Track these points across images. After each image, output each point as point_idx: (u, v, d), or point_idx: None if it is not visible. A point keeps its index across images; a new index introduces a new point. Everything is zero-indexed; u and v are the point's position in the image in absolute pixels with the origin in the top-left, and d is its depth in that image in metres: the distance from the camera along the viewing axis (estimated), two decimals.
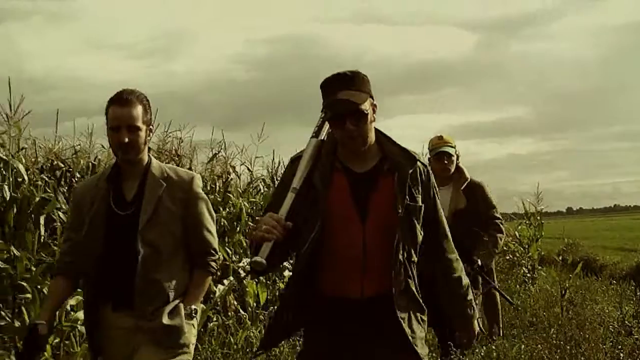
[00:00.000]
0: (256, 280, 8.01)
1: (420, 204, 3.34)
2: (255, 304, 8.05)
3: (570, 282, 10.31)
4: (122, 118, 3.61)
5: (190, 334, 3.75)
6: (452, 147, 6.32)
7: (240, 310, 7.91)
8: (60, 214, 6.20)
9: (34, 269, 5.66)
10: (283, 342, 7.45)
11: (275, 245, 3.04)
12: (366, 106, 3.21)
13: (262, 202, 9.35)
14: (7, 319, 5.45)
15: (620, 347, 6.72)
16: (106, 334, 3.68)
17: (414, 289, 3.35)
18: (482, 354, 6.57)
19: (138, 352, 3.62)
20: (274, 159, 10.22)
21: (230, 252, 8.22)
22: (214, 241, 3.90)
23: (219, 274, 7.54)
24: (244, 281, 7.97)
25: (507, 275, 13.56)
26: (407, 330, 3.26)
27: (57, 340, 5.57)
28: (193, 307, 3.74)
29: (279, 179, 9.93)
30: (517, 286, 12.91)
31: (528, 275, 14.00)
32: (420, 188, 3.36)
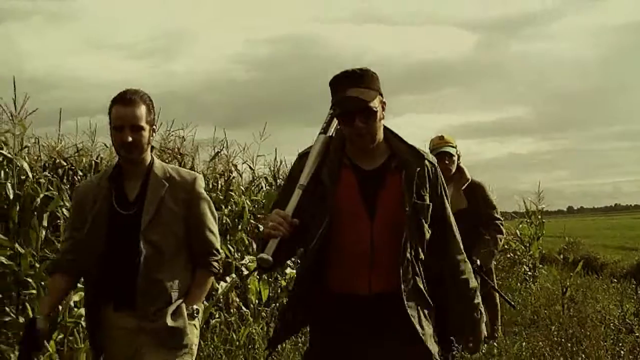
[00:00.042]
0: (258, 277, 8.02)
1: (428, 202, 3.33)
2: (257, 301, 8.05)
3: (571, 280, 10.33)
4: (125, 117, 3.61)
5: (193, 335, 3.75)
6: (453, 147, 6.30)
7: (243, 307, 7.90)
8: (64, 210, 6.22)
9: (37, 265, 5.68)
10: (287, 340, 7.52)
11: (282, 242, 3.06)
12: (375, 104, 3.21)
13: (264, 201, 9.36)
14: (12, 315, 5.47)
15: (621, 344, 6.74)
16: (107, 334, 3.68)
17: (422, 286, 3.34)
18: (483, 351, 6.58)
19: (141, 354, 3.62)
20: (276, 157, 10.26)
21: (232, 249, 8.24)
22: (216, 241, 3.90)
23: (221, 271, 7.56)
24: (246, 278, 7.98)
25: (508, 273, 13.57)
26: (418, 327, 3.25)
27: (61, 336, 5.58)
28: (195, 307, 3.74)
29: (280, 177, 10.00)
30: (518, 284, 12.92)
31: (529, 273, 14.03)
32: (427, 186, 3.35)
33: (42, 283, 5.55)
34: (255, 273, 8.08)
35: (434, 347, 3.33)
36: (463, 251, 3.57)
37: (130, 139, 3.60)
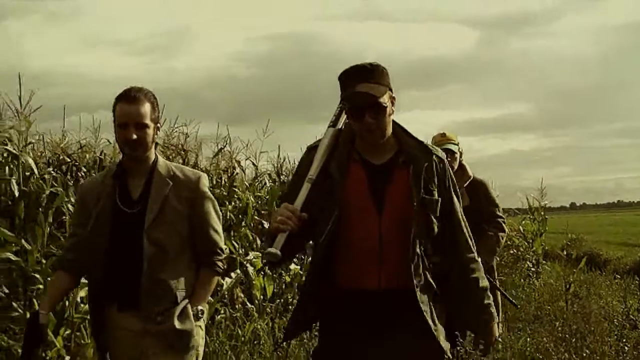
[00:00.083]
0: (262, 272, 8.04)
1: (436, 197, 3.31)
2: (262, 297, 8.06)
3: (574, 276, 10.34)
4: (130, 115, 3.59)
5: (199, 336, 3.73)
6: (455, 144, 6.26)
7: (248, 303, 7.93)
8: (69, 206, 6.23)
9: (44, 261, 5.69)
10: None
11: (291, 236, 3.05)
12: (385, 99, 3.20)
13: (267, 197, 9.38)
14: (19, 310, 5.49)
15: (624, 340, 6.75)
16: (112, 334, 3.66)
17: (432, 282, 3.31)
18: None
19: (147, 356, 3.60)
20: (279, 154, 10.26)
21: (237, 245, 8.26)
22: (220, 240, 3.87)
23: (225, 269, 7.57)
24: (251, 274, 7.99)
25: (512, 269, 13.59)
26: (430, 323, 3.23)
27: (68, 331, 5.60)
28: (200, 307, 3.72)
29: (284, 173, 10.02)
30: (522, 280, 12.94)
31: (532, 269, 14.05)
32: (436, 181, 3.32)
33: (49, 279, 5.56)
34: (266, 268, 8.10)
35: (446, 345, 3.31)
36: (474, 249, 3.51)
37: (134, 136, 3.59)
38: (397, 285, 3.25)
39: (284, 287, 8.53)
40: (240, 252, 8.28)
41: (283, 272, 8.53)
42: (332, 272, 3.29)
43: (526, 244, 14.91)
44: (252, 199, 8.92)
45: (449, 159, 6.27)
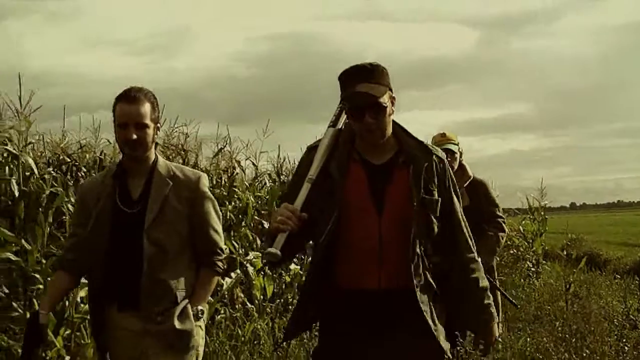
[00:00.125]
0: (262, 272, 8.04)
1: (436, 197, 3.30)
2: (262, 297, 8.07)
3: (574, 276, 10.35)
4: (130, 115, 3.59)
5: (199, 336, 3.73)
6: (454, 144, 6.25)
7: (248, 303, 7.94)
8: (69, 206, 6.23)
9: (44, 261, 5.69)
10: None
11: (291, 236, 3.04)
12: (385, 99, 3.19)
13: (267, 197, 9.38)
14: (19, 310, 5.49)
15: (624, 340, 6.75)
16: (112, 334, 3.65)
17: (432, 282, 3.31)
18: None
19: (147, 356, 3.59)
20: (279, 154, 10.26)
21: (237, 245, 8.26)
22: (220, 241, 3.87)
23: (225, 268, 7.58)
24: (251, 274, 8.00)
25: (512, 269, 13.60)
26: (430, 323, 3.23)
27: (68, 331, 5.61)
28: (200, 308, 3.71)
29: (284, 173, 10.02)
30: (522, 280, 12.95)
31: (532, 269, 14.06)
32: (436, 181, 3.32)
33: (49, 279, 5.56)
34: (266, 268, 8.10)
35: (445, 345, 3.30)
36: (474, 249, 3.49)
37: (134, 136, 3.58)
38: (397, 285, 3.24)
39: (284, 287, 8.54)
40: (240, 252, 8.29)
41: (283, 272, 8.54)
42: (332, 272, 3.29)
43: (526, 244, 14.92)
44: (252, 199, 8.93)
45: (448, 159, 6.26)
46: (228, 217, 8.41)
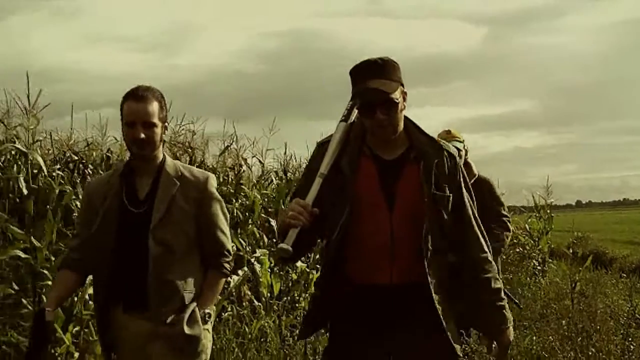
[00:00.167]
0: (270, 270, 8.06)
1: (448, 193, 3.27)
2: (269, 294, 8.07)
3: (580, 275, 10.35)
4: (137, 114, 3.54)
5: (207, 340, 3.69)
6: (460, 141, 6.23)
7: (255, 301, 7.95)
8: (78, 204, 6.25)
9: (53, 258, 5.71)
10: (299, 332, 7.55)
11: (302, 232, 3.02)
12: (397, 95, 3.16)
13: (274, 194, 9.39)
14: (28, 307, 5.52)
15: (630, 339, 6.77)
16: (117, 335, 3.63)
17: (443, 278, 3.27)
18: (494, 344, 6.59)
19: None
20: (285, 151, 10.26)
21: (244, 243, 8.27)
22: (228, 242, 3.83)
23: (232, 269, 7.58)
24: (258, 272, 8.01)
25: (518, 267, 13.60)
26: (442, 319, 3.20)
27: (77, 328, 5.62)
28: (207, 311, 3.66)
29: (290, 171, 10.04)
30: (528, 279, 12.95)
31: (538, 268, 14.05)
32: (447, 177, 3.28)
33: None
34: (274, 265, 8.11)
35: (457, 341, 3.28)
36: (486, 248, 3.41)
37: (142, 135, 3.54)
38: (409, 280, 3.23)
39: (290, 284, 8.54)
40: (248, 249, 8.30)
41: (290, 269, 8.54)
42: (344, 267, 3.28)
43: (532, 242, 14.93)
44: (259, 197, 8.93)
45: None
46: (235, 215, 8.43)
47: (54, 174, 6.50)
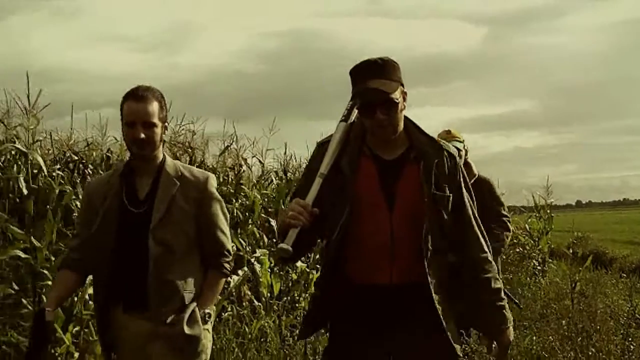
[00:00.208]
0: (270, 270, 8.06)
1: (448, 193, 3.26)
2: (269, 294, 8.07)
3: (580, 275, 10.36)
4: (137, 114, 3.54)
5: (207, 340, 3.69)
6: (460, 142, 6.23)
7: (255, 301, 7.95)
8: (78, 203, 6.25)
9: (53, 258, 5.71)
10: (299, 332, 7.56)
11: (302, 232, 3.02)
12: (397, 95, 3.15)
13: (274, 194, 9.39)
14: (28, 307, 5.52)
15: (630, 339, 6.77)
16: (117, 335, 3.64)
17: (444, 278, 3.27)
18: (494, 344, 6.59)
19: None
20: (285, 151, 10.26)
21: (244, 243, 8.28)
22: (228, 242, 3.82)
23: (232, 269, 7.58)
24: (258, 272, 8.01)
25: (518, 267, 13.61)
26: (442, 319, 3.19)
27: (77, 328, 5.63)
28: (207, 311, 3.66)
29: (290, 171, 10.04)
30: (528, 279, 12.96)
31: (538, 268, 14.06)
32: (447, 178, 3.28)
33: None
34: (274, 265, 8.11)
35: (457, 341, 3.28)
36: (486, 249, 3.40)
37: (142, 135, 3.53)
38: (409, 280, 3.23)
39: (290, 284, 8.54)
40: (248, 249, 8.31)
41: (290, 269, 8.54)
42: (344, 267, 3.28)
43: (532, 242, 14.93)
44: (259, 197, 8.93)
45: None
46: (235, 215, 8.43)
47: (54, 174, 6.50)
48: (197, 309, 3.59)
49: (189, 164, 8.01)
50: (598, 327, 7.05)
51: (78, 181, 6.93)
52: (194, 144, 8.68)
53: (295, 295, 8.52)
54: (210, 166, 8.85)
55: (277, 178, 10.15)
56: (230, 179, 9.03)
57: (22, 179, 6.06)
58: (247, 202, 8.81)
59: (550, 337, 6.80)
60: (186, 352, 3.55)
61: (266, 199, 9.42)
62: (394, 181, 3.25)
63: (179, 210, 3.63)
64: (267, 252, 8.13)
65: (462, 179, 3.38)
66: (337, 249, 3.24)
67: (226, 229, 3.82)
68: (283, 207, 8.75)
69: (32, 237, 5.69)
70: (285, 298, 8.33)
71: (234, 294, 7.76)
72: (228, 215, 3.90)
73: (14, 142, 6.27)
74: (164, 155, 3.74)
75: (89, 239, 3.67)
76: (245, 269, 7.93)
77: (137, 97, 3.57)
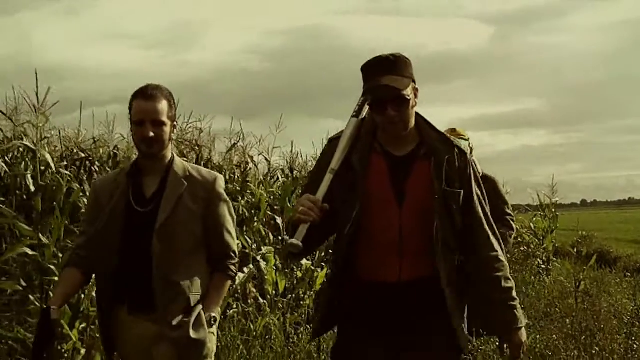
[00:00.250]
0: (275, 267, 8.07)
1: (458, 190, 3.26)
2: (274, 292, 8.08)
3: (584, 274, 10.36)
4: (146, 112, 3.54)
5: (212, 343, 3.66)
6: (465, 139, 6.24)
7: (260, 298, 7.97)
8: (85, 200, 6.26)
9: (60, 255, 5.73)
10: (303, 330, 7.58)
11: (312, 228, 3.03)
12: (408, 92, 3.16)
13: (280, 192, 9.40)
14: (36, 303, 5.54)
15: (634, 338, 6.79)
16: (121, 336, 3.65)
17: (453, 276, 3.25)
18: (497, 343, 6.62)
19: None
20: (292, 149, 10.27)
21: (250, 241, 8.28)
22: (234, 244, 3.81)
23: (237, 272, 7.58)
24: (263, 269, 8.03)
25: (522, 266, 13.60)
26: (451, 317, 3.21)
27: (83, 325, 5.65)
28: (213, 315, 3.63)
29: (296, 169, 10.06)
30: (532, 277, 12.96)
31: (543, 266, 14.07)
32: (457, 174, 3.27)
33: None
34: (279, 262, 8.12)
35: (464, 342, 3.28)
36: (496, 247, 3.37)
37: (151, 134, 3.53)
38: (417, 277, 3.24)
39: (295, 282, 8.54)
40: (253, 247, 8.31)
41: (295, 267, 8.55)
42: (354, 264, 3.28)
43: (537, 241, 14.93)
44: (265, 194, 8.93)
45: None
46: (241, 212, 8.42)
47: (61, 170, 6.51)
48: (202, 313, 3.57)
49: (195, 162, 8.05)
50: (602, 326, 7.06)
51: (85, 178, 6.94)
52: (201, 142, 8.70)
53: (300, 293, 8.52)
54: (217, 164, 8.86)
55: (283, 176, 10.16)
56: (236, 177, 9.04)
57: (29, 176, 6.08)
58: (253, 200, 8.80)
59: (554, 336, 6.82)
60: (192, 356, 3.53)
61: (272, 197, 9.41)
62: (405, 177, 3.25)
63: (186, 211, 3.61)
64: (273, 249, 8.15)
65: (473, 176, 3.37)
66: (349, 245, 3.23)
67: (233, 231, 3.81)
68: (289, 205, 8.77)
69: (39, 234, 5.71)
70: (290, 296, 8.34)
71: (239, 291, 7.76)
72: (235, 217, 3.90)
73: (22, 139, 6.29)
74: (172, 154, 3.73)
75: (94, 237, 3.66)
76: (251, 266, 7.93)
77: (146, 95, 3.57)
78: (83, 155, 7.64)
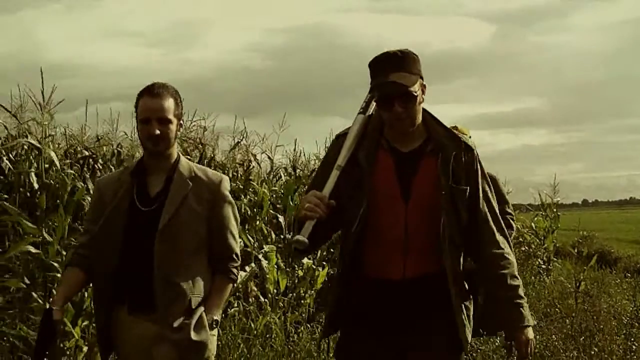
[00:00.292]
0: (276, 266, 8.09)
1: (464, 186, 3.24)
2: (275, 291, 8.09)
3: (584, 274, 10.38)
4: (153, 110, 3.50)
5: (213, 346, 3.64)
6: (467, 138, 6.24)
7: (261, 297, 7.98)
8: (89, 198, 6.27)
9: (64, 253, 5.74)
10: (303, 329, 7.60)
11: (318, 224, 3.01)
12: (416, 88, 3.13)
13: (283, 191, 9.42)
14: (39, 300, 5.56)
15: (633, 339, 6.82)
16: (121, 336, 3.61)
17: (459, 273, 3.26)
18: (496, 343, 6.66)
19: None
20: (295, 148, 10.30)
21: (252, 239, 8.30)
22: (236, 246, 3.76)
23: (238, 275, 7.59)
24: (265, 268, 8.04)
25: (523, 266, 13.61)
26: (455, 314, 3.19)
27: (86, 323, 5.66)
28: (215, 317, 3.59)
29: (299, 167, 10.08)
30: (532, 277, 12.97)
31: (543, 266, 14.07)
32: (464, 170, 3.25)
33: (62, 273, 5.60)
34: (280, 261, 8.13)
35: (466, 339, 3.26)
36: (502, 244, 3.36)
37: (157, 131, 3.49)
38: (421, 275, 3.23)
39: (296, 281, 8.55)
40: (255, 245, 8.33)
41: (296, 266, 8.57)
42: (361, 261, 3.27)
43: (538, 240, 14.93)
44: (268, 193, 8.95)
45: None
46: (243, 211, 8.43)
47: (65, 168, 6.52)
48: (204, 314, 3.55)
49: (199, 160, 8.07)
50: (601, 327, 7.10)
51: (88, 176, 6.96)
52: (205, 140, 8.72)
53: (301, 291, 8.53)
54: (220, 162, 8.89)
55: (285, 174, 10.18)
56: (239, 175, 9.06)
57: (33, 173, 6.10)
58: (256, 198, 8.82)
59: (554, 336, 6.85)
60: (192, 358, 3.52)
61: (275, 195, 9.42)
62: (411, 174, 3.24)
63: (190, 211, 3.58)
64: (275, 248, 8.15)
65: (480, 172, 3.35)
66: (356, 241, 3.22)
67: (236, 233, 3.79)
68: (291, 203, 8.79)
69: (43, 232, 5.72)
70: (291, 294, 8.34)
71: (240, 290, 7.77)
72: (239, 219, 3.88)
73: (27, 137, 6.31)
74: (178, 154, 3.71)
75: (97, 236, 3.64)
76: (253, 265, 7.94)
77: (152, 93, 3.54)
78: (87, 153, 7.65)
